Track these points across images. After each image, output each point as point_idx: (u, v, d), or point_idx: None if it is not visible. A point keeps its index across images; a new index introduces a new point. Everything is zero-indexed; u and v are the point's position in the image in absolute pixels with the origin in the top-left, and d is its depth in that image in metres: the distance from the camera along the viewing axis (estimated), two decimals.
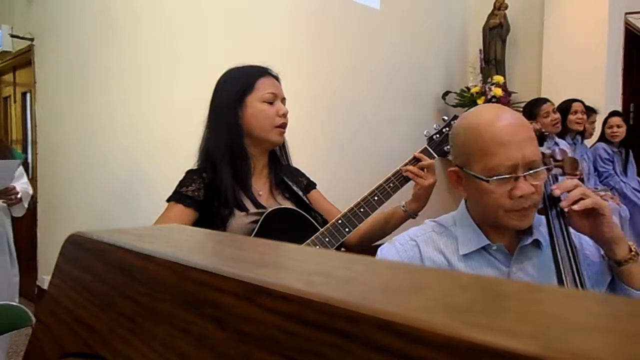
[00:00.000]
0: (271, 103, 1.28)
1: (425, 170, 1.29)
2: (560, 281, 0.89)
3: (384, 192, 1.29)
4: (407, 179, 1.30)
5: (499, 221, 0.94)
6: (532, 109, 3.39)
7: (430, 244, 1.01)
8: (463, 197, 1.01)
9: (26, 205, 2.48)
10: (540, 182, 0.92)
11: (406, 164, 1.30)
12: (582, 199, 0.90)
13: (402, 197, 1.33)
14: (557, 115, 3.40)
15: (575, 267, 0.90)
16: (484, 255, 0.98)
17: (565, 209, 0.92)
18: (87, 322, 0.32)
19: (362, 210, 1.27)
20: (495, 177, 0.88)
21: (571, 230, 0.94)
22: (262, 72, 1.31)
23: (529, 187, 0.89)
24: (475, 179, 0.91)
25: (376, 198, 1.28)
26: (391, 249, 1.03)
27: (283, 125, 1.30)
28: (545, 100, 3.48)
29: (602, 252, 0.97)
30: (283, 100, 1.32)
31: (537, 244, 0.99)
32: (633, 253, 0.91)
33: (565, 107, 3.59)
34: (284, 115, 1.30)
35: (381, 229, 1.35)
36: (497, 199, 0.90)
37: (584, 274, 0.91)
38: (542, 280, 0.96)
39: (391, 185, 1.29)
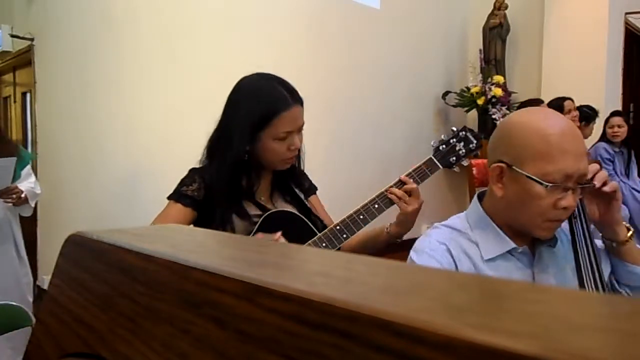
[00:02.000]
0: (284, 139, 1.22)
1: (410, 194, 1.25)
2: (580, 276, 0.92)
3: (384, 199, 1.27)
4: (391, 201, 1.26)
5: (531, 229, 0.94)
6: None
7: (456, 247, 0.99)
8: (498, 195, 0.97)
9: (33, 205, 2.48)
10: (578, 198, 0.93)
11: (391, 186, 1.27)
12: (606, 182, 0.94)
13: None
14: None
15: (594, 262, 0.93)
16: (508, 258, 0.97)
17: (598, 186, 0.94)
18: (87, 322, 0.32)
19: (361, 217, 1.23)
20: (552, 184, 0.88)
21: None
22: (285, 104, 1.20)
23: (573, 201, 0.90)
24: (526, 180, 0.90)
25: (376, 206, 1.25)
26: (425, 257, 0.99)
27: (292, 158, 1.26)
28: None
29: (602, 239, 1.01)
30: (301, 128, 1.25)
31: (552, 243, 1.00)
32: (631, 233, 0.97)
33: (557, 106, 3.60)
34: (295, 150, 1.25)
35: (370, 246, 1.34)
36: (543, 206, 0.90)
37: (603, 269, 0.95)
38: (560, 277, 0.98)
39: (375, 206, 1.26)
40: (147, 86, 3.02)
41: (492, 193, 0.99)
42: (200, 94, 2.79)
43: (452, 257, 0.98)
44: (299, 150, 1.34)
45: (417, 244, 1.04)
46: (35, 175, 3.76)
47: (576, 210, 0.97)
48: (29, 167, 2.51)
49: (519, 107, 3.62)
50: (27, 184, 2.43)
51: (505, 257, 0.97)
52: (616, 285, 1.02)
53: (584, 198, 0.96)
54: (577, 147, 0.89)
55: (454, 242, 0.99)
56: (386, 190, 1.27)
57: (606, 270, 1.01)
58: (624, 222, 0.97)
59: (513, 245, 0.96)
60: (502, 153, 0.95)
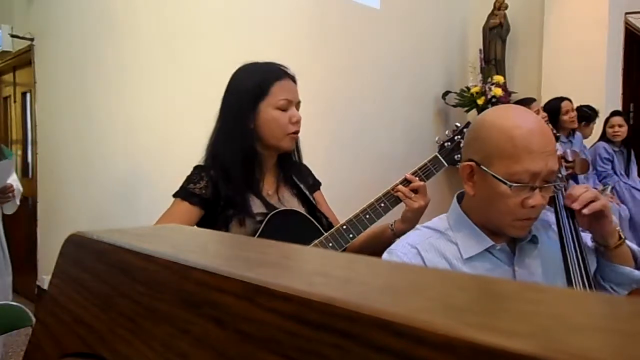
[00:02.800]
0: (285, 109, 1.25)
1: (416, 192, 1.27)
2: (569, 276, 0.93)
3: (390, 198, 1.28)
4: (398, 200, 1.27)
5: (502, 227, 0.94)
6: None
7: (431, 250, 0.99)
8: (470, 194, 0.98)
9: (18, 202, 2.46)
10: (548, 196, 0.94)
11: (397, 184, 1.28)
12: (592, 201, 0.94)
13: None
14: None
15: (582, 263, 0.94)
16: (487, 257, 0.97)
17: (577, 209, 0.95)
18: (87, 322, 0.32)
19: (367, 216, 1.25)
20: (517, 183, 0.88)
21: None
22: (278, 74, 1.27)
23: (542, 199, 0.90)
24: (494, 179, 0.90)
25: (382, 205, 1.26)
26: (394, 259, 1.00)
27: (295, 132, 1.27)
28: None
29: (592, 240, 1.02)
30: (298, 104, 1.29)
31: (533, 239, 1.00)
32: (622, 239, 0.98)
33: (555, 107, 3.60)
34: (297, 123, 1.26)
35: (374, 245, 1.35)
36: (510, 205, 0.90)
37: (590, 270, 0.95)
38: (544, 276, 0.98)
39: (382, 205, 1.27)
40: (147, 86, 3.02)
41: (467, 193, 1.00)
42: (200, 94, 2.79)
43: (423, 260, 0.98)
44: (297, 144, 1.36)
45: (392, 245, 1.05)
46: (35, 175, 3.77)
47: (564, 208, 0.98)
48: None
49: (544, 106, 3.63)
50: (11, 181, 2.41)
51: (485, 255, 0.97)
52: (601, 280, 1.02)
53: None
54: (544, 146, 0.88)
55: (428, 245, 1.00)
56: (392, 189, 1.28)
57: (592, 265, 1.01)
58: (617, 229, 0.97)
59: (491, 242, 0.96)
60: (472, 152, 0.95)
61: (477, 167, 0.93)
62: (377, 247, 1.34)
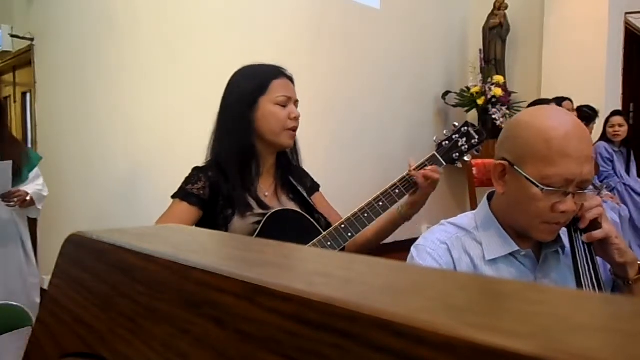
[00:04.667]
0: (284, 106, 1.28)
1: (429, 180, 1.28)
2: (580, 286, 0.90)
3: (389, 197, 1.28)
4: (411, 186, 1.28)
5: (530, 230, 0.92)
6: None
7: (458, 247, 0.98)
8: (499, 192, 0.96)
9: (40, 207, 2.49)
10: (581, 203, 0.90)
11: (396, 183, 1.29)
12: (596, 219, 0.90)
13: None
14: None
15: (597, 282, 0.91)
16: (510, 261, 0.96)
17: (581, 227, 0.92)
18: (87, 322, 0.32)
19: (365, 215, 1.26)
20: (549, 187, 0.86)
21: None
22: (277, 73, 1.30)
23: (573, 205, 0.88)
24: (525, 181, 0.88)
25: (380, 204, 1.27)
26: (425, 256, 0.98)
27: (294, 129, 1.30)
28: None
29: (609, 271, 0.97)
30: (296, 103, 1.32)
31: (558, 250, 0.98)
32: None
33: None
34: (296, 119, 1.29)
35: (389, 232, 1.35)
36: (540, 208, 0.88)
37: (603, 280, 0.92)
38: (562, 284, 0.95)
39: (397, 191, 1.27)
40: (147, 86, 3.02)
41: (497, 192, 0.98)
42: (200, 94, 2.79)
43: (452, 257, 0.97)
44: (296, 147, 1.37)
45: (420, 239, 1.03)
46: None
47: (578, 228, 0.94)
48: (37, 169, 2.52)
49: (528, 107, 3.61)
50: (34, 186, 2.44)
51: (508, 259, 0.96)
52: None
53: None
54: (580, 151, 0.86)
55: (456, 242, 0.98)
56: (390, 187, 1.28)
57: (606, 287, 0.97)
58: (638, 262, 0.92)
59: (516, 247, 0.95)
60: (506, 151, 0.94)
61: (510, 167, 0.92)
62: (389, 234, 1.36)
